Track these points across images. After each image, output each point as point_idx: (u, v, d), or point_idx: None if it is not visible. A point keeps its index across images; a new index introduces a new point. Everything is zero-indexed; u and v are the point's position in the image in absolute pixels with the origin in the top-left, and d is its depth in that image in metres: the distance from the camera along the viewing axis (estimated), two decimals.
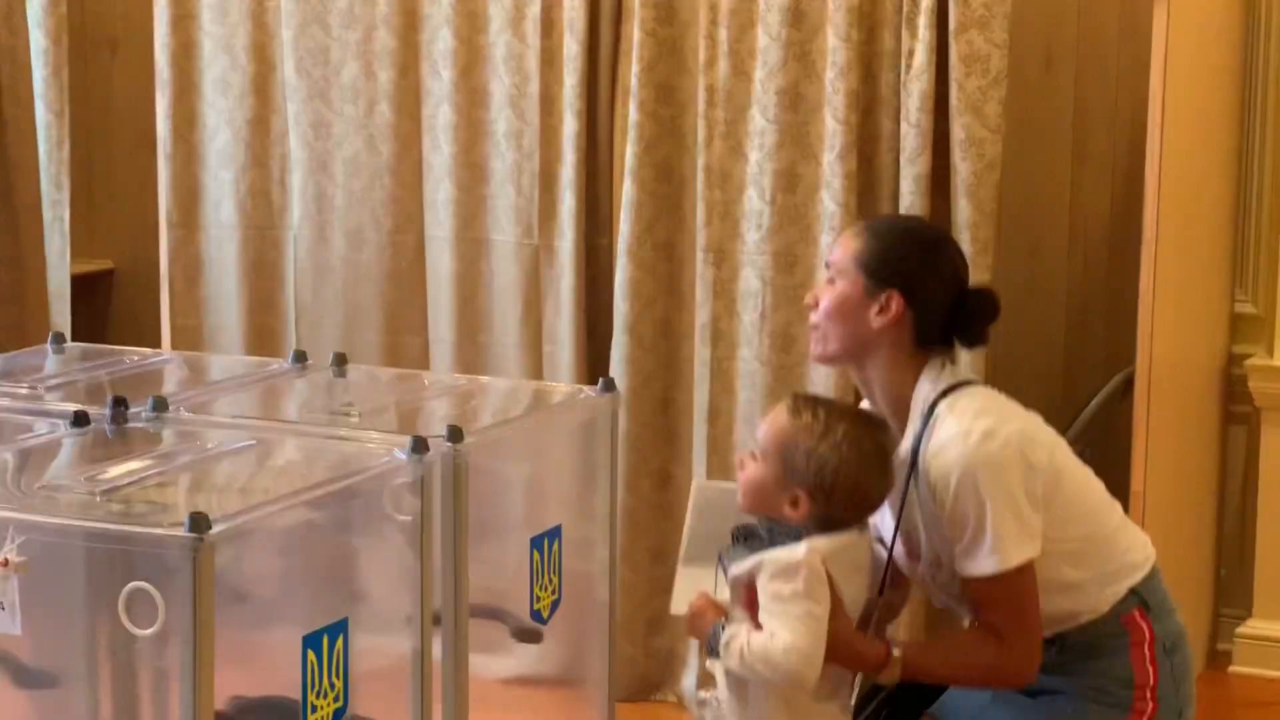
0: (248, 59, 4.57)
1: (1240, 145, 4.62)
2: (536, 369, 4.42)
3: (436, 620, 2.64)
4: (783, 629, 2.54)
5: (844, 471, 2.58)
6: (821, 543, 2.58)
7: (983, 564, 2.58)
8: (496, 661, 3.30)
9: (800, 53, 4.06)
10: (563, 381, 4.25)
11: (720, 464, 4.16)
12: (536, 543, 2.82)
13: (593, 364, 4.35)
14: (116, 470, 2.46)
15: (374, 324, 4.55)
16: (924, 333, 2.68)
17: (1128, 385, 4.22)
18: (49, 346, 3.33)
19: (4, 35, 4.91)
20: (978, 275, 3.95)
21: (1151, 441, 4.06)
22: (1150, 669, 2.68)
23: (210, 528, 2.15)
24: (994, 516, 2.56)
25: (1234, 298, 4.68)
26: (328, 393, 3.07)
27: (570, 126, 4.30)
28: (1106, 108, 4.75)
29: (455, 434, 2.59)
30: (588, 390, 3.00)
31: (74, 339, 4.33)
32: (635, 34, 4.18)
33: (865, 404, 2.79)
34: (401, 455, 2.53)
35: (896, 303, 2.65)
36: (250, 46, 4.57)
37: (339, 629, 2.37)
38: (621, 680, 4.03)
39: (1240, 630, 4.67)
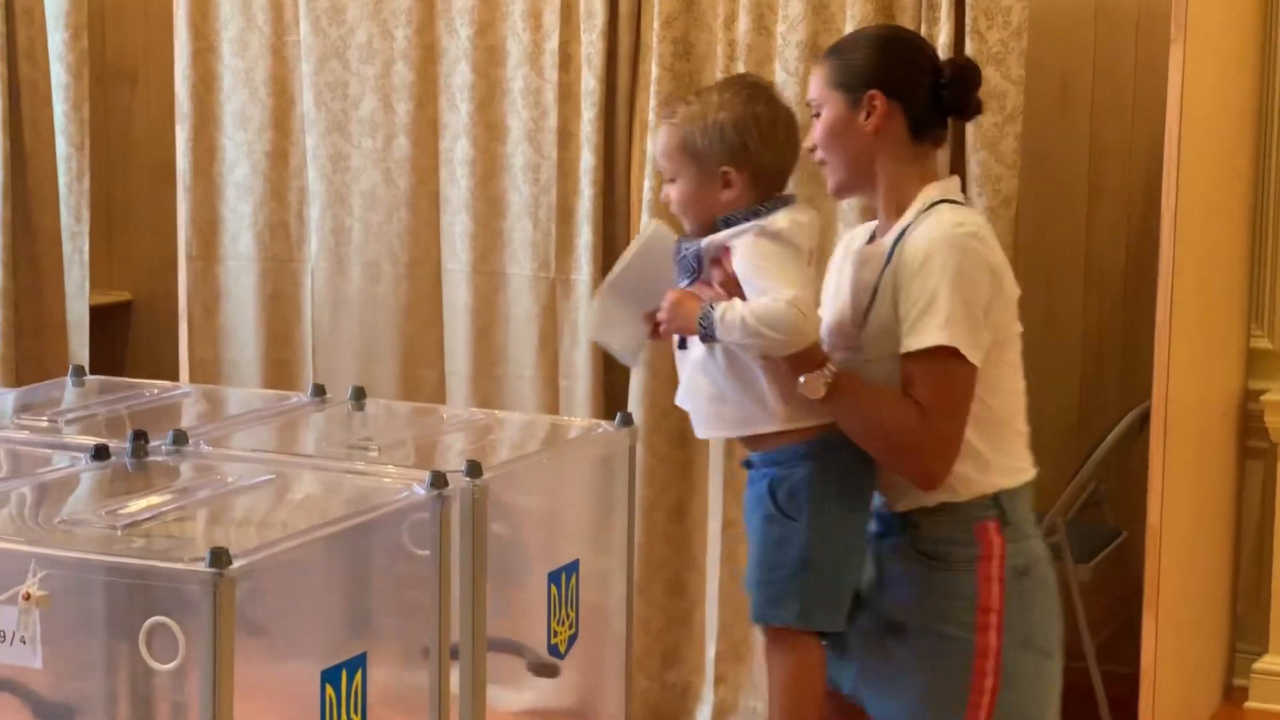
0: (267, 92, 4.60)
1: (1256, 181, 4.63)
2: (553, 402, 4.43)
3: (454, 654, 2.64)
4: (781, 285, 2.50)
5: (744, 118, 2.59)
6: (792, 213, 2.60)
7: (927, 336, 2.52)
8: (513, 694, 3.31)
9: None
10: (579, 414, 4.26)
11: (735, 498, 4.16)
12: (554, 577, 2.82)
13: (609, 397, 4.36)
14: (137, 504, 2.47)
15: (391, 357, 4.57)
16: (916, 120, 2.66)
17: (1144, 420, 4.22)
18: (69, 379, 3.34)
19: (25, 69, 4.95)
20: None
21: (1167, 477, 4.06)
22: (996, 590, 2.60)
23: (230, 563, 2.16)
24: (951, 297, 2.52)
25: (1250, 333, 4.68)
26: (346, 427, 3.08)
27: (587, 160, 4.31)
28: (1122, 143, 4.76)
29: (474, 469, 2.60)
30: (605, 425, 3.00)
31: (92, 370, 4.33)
32: (653, 70, 4.20)
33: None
34: (420, 490, 2.53)
35: (879, 100, 2.64)
36: (270, 80, 4.60)
37: (357, 663, 2.38)
38: (637, 713, 4.03)
39: (1256, 666, 4.65)
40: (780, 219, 2.58)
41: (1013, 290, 2.64)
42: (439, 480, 2.53)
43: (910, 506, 2.63)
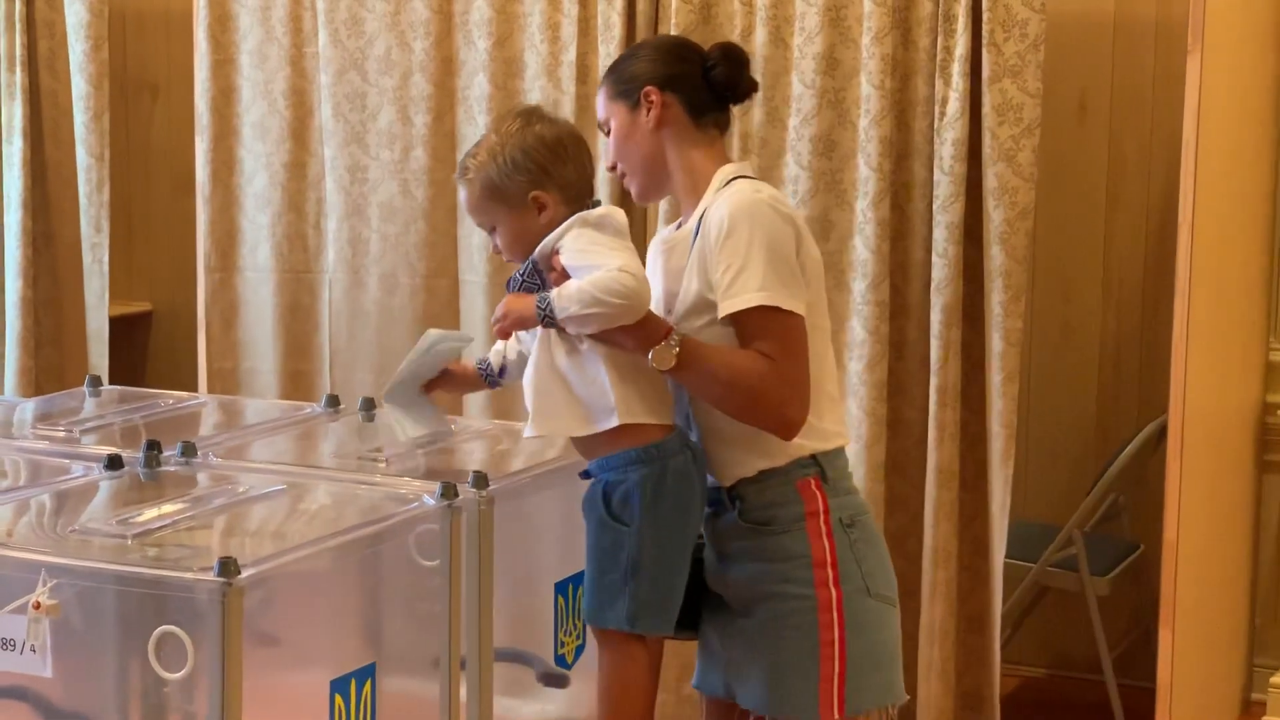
0: (286, 104, 4.62)
1: (1275, 193, 4.62)
2: None
3: (463, 664, 2.64)
4: (608, 258, 2.59)
5: (529, 142, 2.71)
6: (607, 207, 2.72)
7: (748, 297, 2.59)
8: (524, 705, 3.31)
9: (834, 99, 4.07)
10: None
11: None
12: (561, 588, 2.83)
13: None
14: (149, 514, 2.48)
15: None
16: (693, 105, 2.76)
17: (1161, 433, 4.20)
18: (86, 389, 3.36)
19: (46, 80, 4.97)
20: (1010, 322, 3.97)
21: (1185, 490, 4.05)
22: (827, 544, 2.66)
23: (239, 572, 2.17)
24: (762, 256, 2.59)
25: (1269, 346, 4.67)
26: (358, 438, 3.09)
27: (604, 175, 4.31)
28: (1141, 155, 4.75)
29: (481, 480, 2.61)
30: None
31: (111, 380, 4.36)
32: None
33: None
34: (429, 501, 2.54)
35: (654, 94, 2.74)
36: (289, 92, 4.61)
37: (366, 674, 2.38)
38: None
39: (1274, 680, 4.62)
40: (600, 209, 2.71)
41: (815, 253, 2.71)
42: (448, 491, 2.53)
43: (734, 479, 2.69)
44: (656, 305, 2.70)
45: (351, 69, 4.54)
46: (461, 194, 2.77)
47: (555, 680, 2.88)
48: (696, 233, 2.69)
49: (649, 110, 2.74)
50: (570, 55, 4.32)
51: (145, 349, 5.90)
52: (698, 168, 2.75)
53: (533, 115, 2.76)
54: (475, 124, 4.43)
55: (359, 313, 4.62)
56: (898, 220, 4.09)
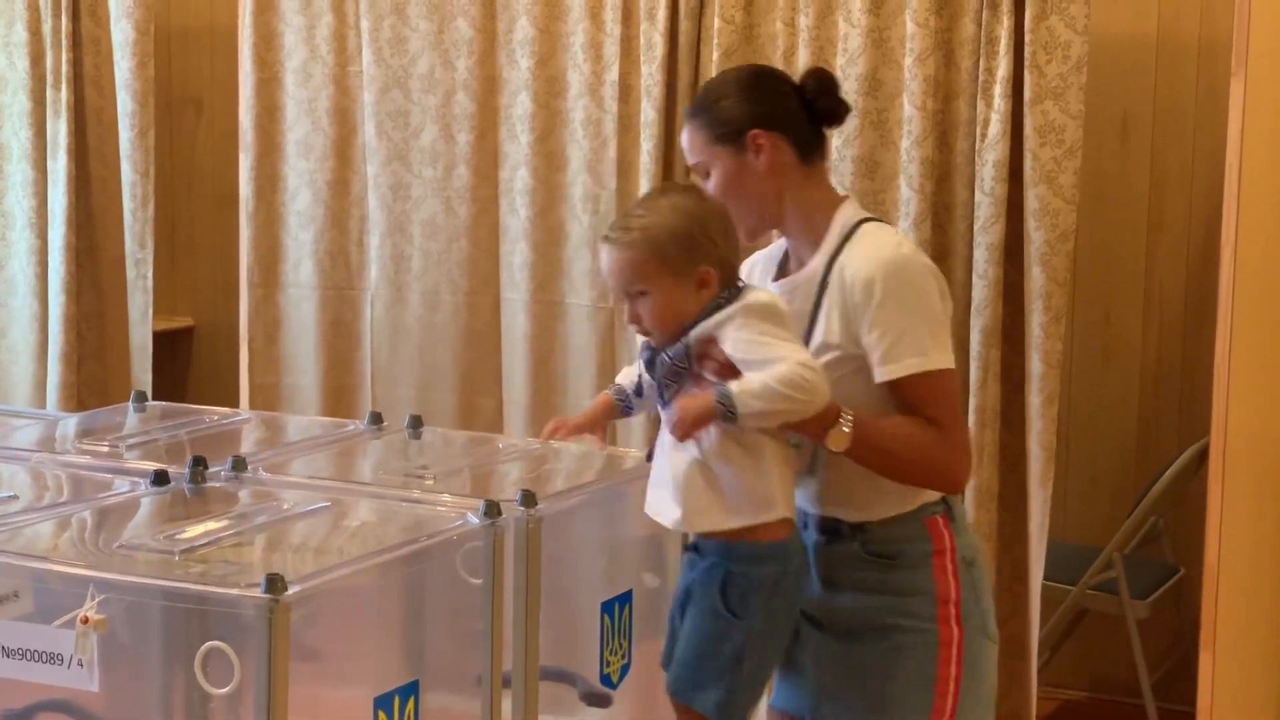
0: (329, 122, 4.64)
1: None
2: (610, 432, 4.43)
3: (506, 682, 2.65)
4: (785, 351, 2.51)
5: (704, 215, 2.59)
6: (760, 290, 2.63)
7: (909, 364, 2.56)
8: None
9: (877, 120, 4.08)
10: (634, 445, 4.27)
11: None
12: (607, 607, 2.83)
13: None
14: (194, 530, 2.49)
15: (449, 385, 4.60)
16: (801, 143, 2.70)
17: (1203, 455, 4.19)
18: (130, 405, 3.38)
19: (92, 96, 5.01)
20: (1050, 345, 3.96)
21: (1226, 513, 4.03)
22: (953, 582, 2.64)
23: (286, 589, 2.18)
24: (917, 320, 2.57)
25: None
26: (403, 455, 3.11)
27: (644, 190, 4.33)
28: (1183, 177, 4.75)
29: (528, 499, 2.61)
30: None
31: (154, 395, 4.39)
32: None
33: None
34: (474, 519, 2.55)
35: (763, 137, 2.66)
36: (332, 110, 4.64)
37: (410, 690, 2.39)
38: None
39: None
40: (760, 294, 2.59)
41: (949, 298, 2.69)
42: (493, 509, 2.54)
43: (862, 520, 2.66)
44: None
45: (395, 87, 4.56)
46: (612, 254, 2.60)
47: (599, 700, 2.88)
48: (824, 280, 2.63)
49: (758, 154, 2.66)
50: (613, 75, 4.33)
51: (188, 364, 5.93)
52: (814, 207, 2.69)
53: (699, 191, 2.66)
54: (518, 142, 4.45)
55: (401, 329, 4.64)
56: (939, 241, 4.09)
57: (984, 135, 3.99)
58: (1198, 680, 4.07)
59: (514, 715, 2.66)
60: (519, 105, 4.45)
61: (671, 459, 2.59)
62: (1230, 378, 3.98)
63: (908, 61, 4.01)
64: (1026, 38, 3.93)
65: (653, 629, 2.92)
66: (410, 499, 2.72)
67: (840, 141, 4.09)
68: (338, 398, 4.70)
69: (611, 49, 4.34)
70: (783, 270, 2.76)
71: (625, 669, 2.87)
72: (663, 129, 4.29)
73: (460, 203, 4.54)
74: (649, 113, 4.29)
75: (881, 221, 2.74)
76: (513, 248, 4.51)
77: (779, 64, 4.15)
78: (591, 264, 4.42)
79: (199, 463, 2.76)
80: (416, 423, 3.17)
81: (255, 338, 4.77)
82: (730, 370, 2.54)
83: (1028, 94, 3.93)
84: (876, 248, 2.61)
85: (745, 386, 2.49)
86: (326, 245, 4.69)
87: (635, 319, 2.62)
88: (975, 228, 4.02)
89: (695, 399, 2.54)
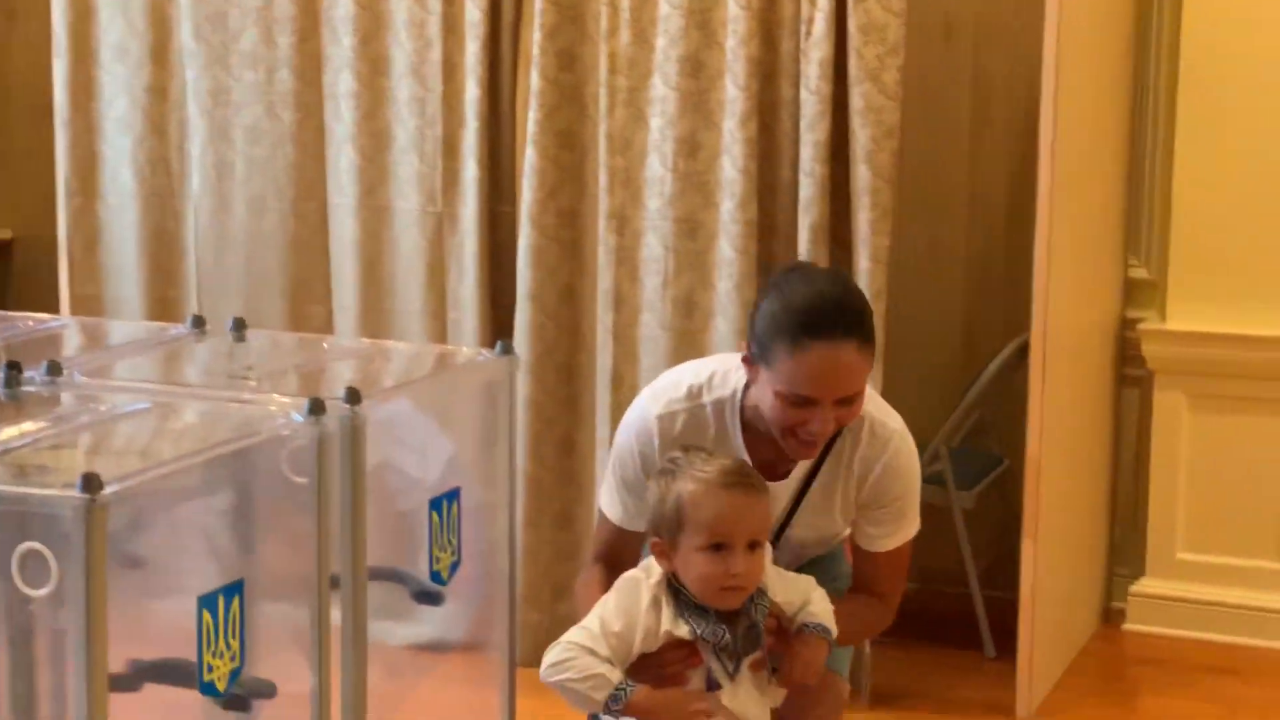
0: (145, 25, 4.54)
1: (1133, 113, 4.70)
2: (440, 336, 4.42)
3: (336, 583, 2.64)
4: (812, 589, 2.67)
5: None
6: None
7: (900, 535, 2.75)
8: (399, 628, 3.31)
9: (701, 20, 4.08)
10: (467, 348, 4.26)
11: None
12: (435, 505, 2.82)
13: (497, 331, 4.36)
14: (10, 432, 2.44)
15: (277, 293, 4.54)
16: None
17: (1024, 350, 4.28)
18: None
19: None
20: (877, 241, 4.01)
21: (1046, 406, 4.13)
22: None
23: (103, 488, 2.14)
24: (915, 496, 2.76)
25: (1127, 263, 4.76)
26: (227, 357, 3.06)
27: (472, 93, 4.30)
28: (1004, 76, 4.81)
29: (353, 396, 2.59)
30: (486, 353, 3.00)
31: None
32: (536, 4, 4.19)
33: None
34: (298, 418, 2.52)
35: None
36: (148, 11, 4.53)
37: (235, 590, 2.37)
38: (526, 646, 4.04)
39: (1133, 589, 4.75)
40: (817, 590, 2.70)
41: None
42: (317, 407, 2.51)
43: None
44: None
45: None
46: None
47: (430, 598, 2.88)
48: (816, 471, 2.72)
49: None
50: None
51: (7, 278, 5.80)
52: None
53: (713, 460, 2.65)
54: (340, 45, 4.39)
55: (226, 237, 4.57)
56: (765, 140, 4.11)
57: (808, 33, 4.00)
58: (1021, 567, 4.18)
59: (343, 616, 2.65)
60: (340, 7, 4.37)
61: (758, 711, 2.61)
62: (1049, 273, 4.06)
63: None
64: None
65: (480, 525, 2.92)
66: (235, 400, 2.68)
67: (665, 41, 4.10)
68: (162, 309, 4.62)
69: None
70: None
71: (455, 566, 2.87)
72: (487, 29, 4.26)
73: (283, 107, 4.47)
74: (473, 13, 4.25)
75: (879, 418, 2.77)
76: (338, 153, 4.45)
77: (601, 45, 4.13)
78: (419, 167, 4.38)
79: (13, 367, 2.70)
80: (240, 325, 3.12)
81: (75, 248, 4.67)
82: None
83: None
84: (904, 449, 2.74)
85: (828, 616, 2.62)
86: (146, 153, 4.59)
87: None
88: (801, 126, 4.05)
89: (816, 650, 2.59)
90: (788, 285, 2.61)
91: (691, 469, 2.54)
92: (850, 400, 2.58)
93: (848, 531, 2.85)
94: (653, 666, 2.55)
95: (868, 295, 3.97)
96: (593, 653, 2.53)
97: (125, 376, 2.88)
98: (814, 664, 2.58)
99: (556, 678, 2.56)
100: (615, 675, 2.52)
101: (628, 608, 2.56)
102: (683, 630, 2.53)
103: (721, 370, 2.72)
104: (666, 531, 2.55)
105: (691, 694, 2.53)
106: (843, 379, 2.55)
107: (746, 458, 2.67)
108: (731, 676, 2.55)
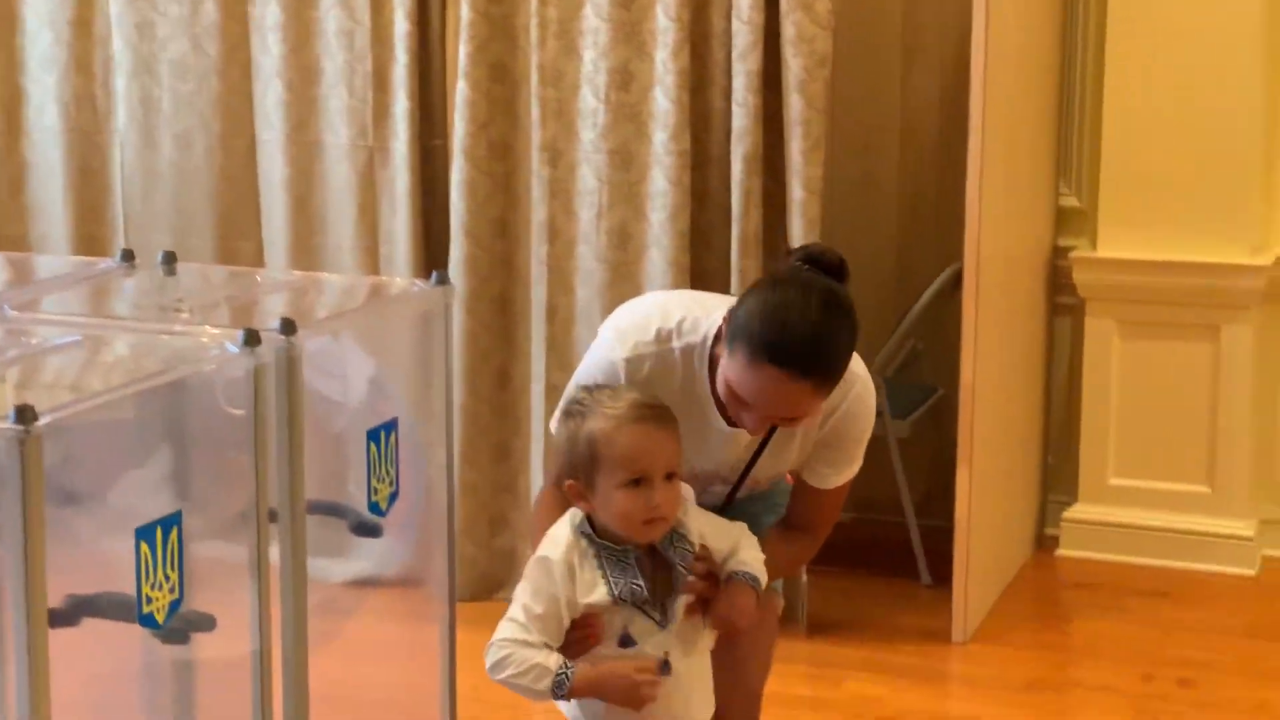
0: None
1: (1063, 42, 4.71)
2: (373, 271, 4.40)
3: (274, 516, 2.62)
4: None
5: None
6: None
7: (847, 474, 2.76)
8: (337, 565, 3.30)
9: None
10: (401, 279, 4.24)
11: (558, 361, 4.18)
12: (373, 435, 2.81)
13: (430, 265, 4.34)
14: None
15: (206, 229, 4.50)
16: None
17: (957, 279, 4.30)
18: None
19: None
20: (810, 171, 4.01)
21: (980, 334, 4.15)
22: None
23: (37, 419, 2.11)
24: (868, 437, 2.77)
25: (1058, 192, 4.78)
26: (158, 290, 3.03)
27: (401, 26, 4.25)
28: (935, 6, 4.81)
29: (288, 327, 2.57)
30: (421, 283, 2.98)
31: None
32: None
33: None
34: (233, 349, 2.50)
35: None
36: None
37: (173, 521, 2.35)
38: (464, 579, 4.05)
39: (1066, 515, 4.80)
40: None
41: None
42: (252, 338, 2.49)
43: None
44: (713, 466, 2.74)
45: None
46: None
47: (368, 530, 2.87)
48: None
49: None
50: None
51: None
52: None
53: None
54: None
55: (152, 173, 4.52)
56: (698, 70, 4.09)
57: None
58: (956, 496, 4.21)
59: (281, 549, 2.64)
60: None
61: (699, 660, 2.62)
62: (981, 203, 4.08)
63: None
64: None
65: (417, 459, 2.91)
66: (168, 332, 2.65)
67: None
68: (89, 246, 4.56)
69: None
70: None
71: (393, 497, 2.86)
72: None
73: (209, 41, 4.41)
74: None
75: None
76: (266, 87, 4.40)
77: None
78: (348, 101, 4.34)
79: None
80: (170, 259, 3.09)
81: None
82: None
83: None
84: (867, 394, 2.74)
85: (759, 563, 2.63)
86: (71, 88, 4.53)
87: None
88: (733, 56, 4.03)
89: (745, 596, 2.59)
90: (781, 292, 2.54)
91: (601, 408, 2.52)
92: (794, 419, 2.59)
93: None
94: (569, 642, 2.57)
95: (801, 223, 4.01)
96: (526, 644, 2.53)
97: (54, 310, 2.85)
98: (745, 610, 2.60)
99: (500, 676, 2.56)
100: (553, 661, 2.52)
101: (543, 588, 2.56)
102: (599, 593, 2.53)
103: (692, 316, 2.68)
104: (582, 473, 2.54)
105: (635, 662, 2.54)
106: (789, 407, 2.55)
107: (714, 403, 2.67)
108: (661, 625, 2.56)
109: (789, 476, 2.88)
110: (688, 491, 2.64)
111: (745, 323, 2.52)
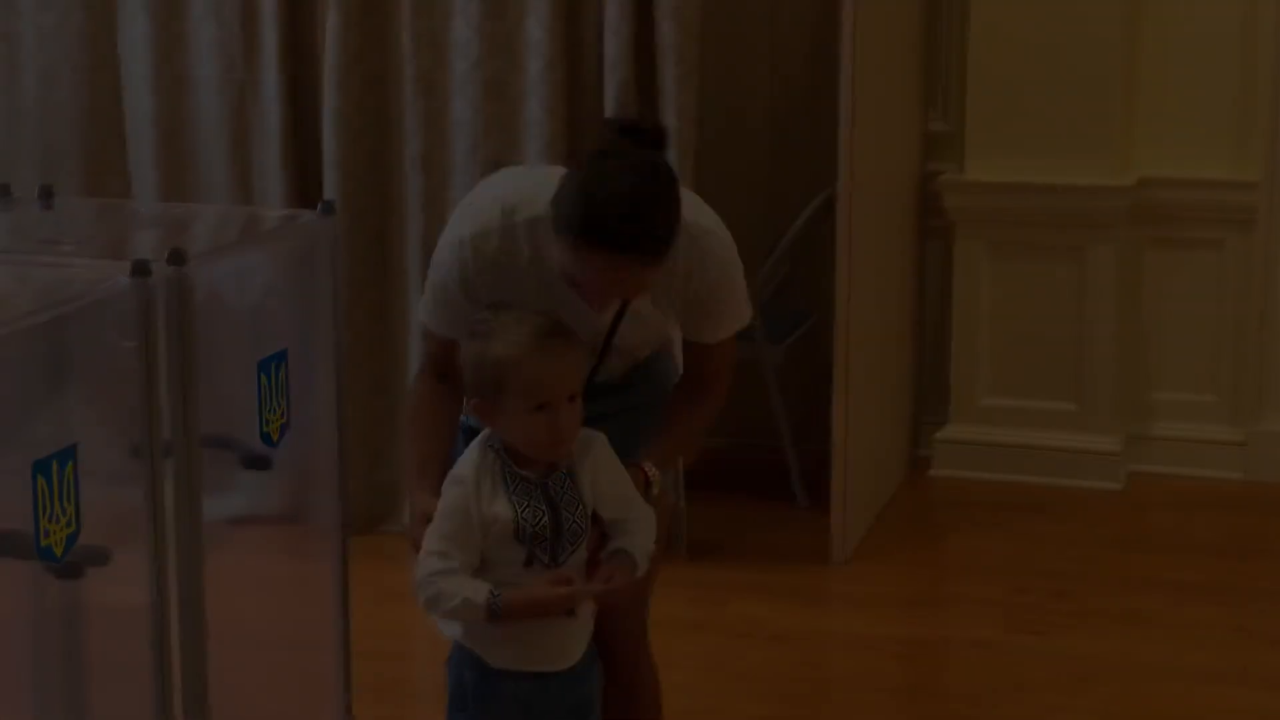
0: None
1: None
2: (248, 205, 4.35)
3: (168, 451, 2.60)
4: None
5: None
6: None
7: (728, 325, 2.70)
8: (224, 502, 3.28)
9: None
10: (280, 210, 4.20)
11: None
12: (264, 366, 2.79)
13: (303, 199, 4.31)
14: None
15: (74, 166, 4.43)
16: None
17: (829, 204, 4.35)
18: None
19: None
20: (684, 98, 4.03)
21: (854, 259, 4.21)
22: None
23: None
24: (739, 285, 2.69)
25: (926, 116, 4.84)
26: (36, 225, 2.98)
27: None
28: None
29: (177, 257, 2.54)
30: (306, 214, 2.97)
31: None
32: None
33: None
34: (123, 280, 2.47)
35: None
36: None
37: (68, 455, 2.33)
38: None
39: (938, 435, 4.89)
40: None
41: None
42: (141, 269, 2.47)
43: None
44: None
45: None
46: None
47: (259, 462, 2.85)
48: None
49: None
50: None
51: None
52: None
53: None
54: None
55: (17, 110, 4.43)
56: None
57: None
58: (832, 420, 4.27)
59: (177, 483, 2.62)
60: None
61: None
62: (854, 128, 4.12)
63: None
64: None
65: (304, 391, 2.90)
66: (53, 264, 2.62)
67: None
68: None
69: None
70: None
71: (285, 428, 2.85)
72: None
73: None
74: None
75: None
76: (131, 20, 4.32)
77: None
78: (217, 33, 4.28)
79: None
80: (47, 193, 3.04)
81: None
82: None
83: None
84: (713, 244, 2.65)
85: (644, 550, 2.58)
86: None
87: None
88: None
89: (622, 572, 2.56)
90: (592, 168, 2.48)
91: (505, 333, 2.52)
92: (630, 294, 2.57)
93: (678, 333, 2.83)
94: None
95: (674, 151, 4.03)
96: (451, 573, 2.52)
97: None
98: (621, 592, 2.60)
99: (436, 612, 2.56)
100: (481, 591, 2.52)
101: (456, 505, 2.55)
102: (502, 506, 2.54)
103: (538, 191, 2.61)
104: (489, 393, 2.55)
105: (551, 577, 2.55)
106: (619, 285, 2.51)
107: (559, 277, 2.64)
108: (549, 566, 2.56)
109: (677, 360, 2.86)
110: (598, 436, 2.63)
111: (562, 205, 2.49)
